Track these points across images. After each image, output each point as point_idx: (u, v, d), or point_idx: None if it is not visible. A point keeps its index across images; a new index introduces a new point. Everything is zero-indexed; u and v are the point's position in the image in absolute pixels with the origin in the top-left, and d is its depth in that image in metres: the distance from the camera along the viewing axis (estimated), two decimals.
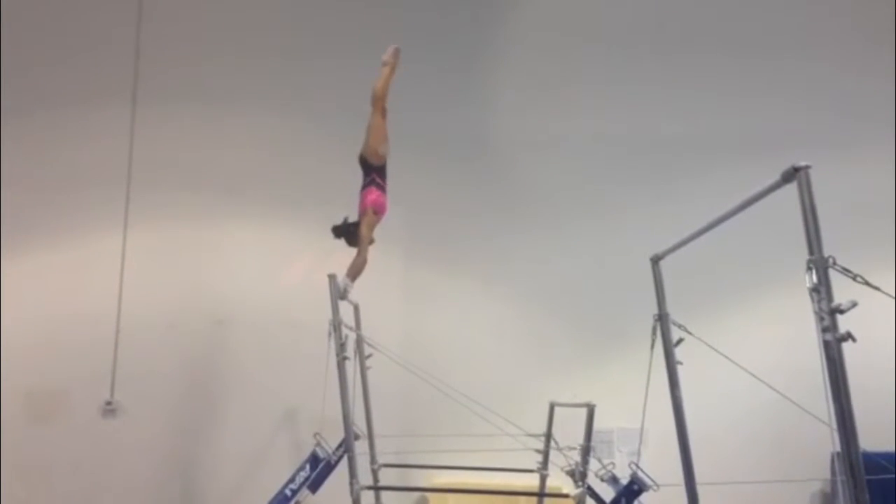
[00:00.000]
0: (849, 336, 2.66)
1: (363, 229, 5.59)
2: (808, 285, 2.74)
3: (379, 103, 5.81)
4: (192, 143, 7.89)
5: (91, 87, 7.85)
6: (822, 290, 2.71)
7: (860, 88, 7.91)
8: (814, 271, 2.73)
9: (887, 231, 7.44)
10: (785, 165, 2.94)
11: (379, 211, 5.72)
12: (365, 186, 5.75)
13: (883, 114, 7.74)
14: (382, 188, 5.74)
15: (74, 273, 7.59)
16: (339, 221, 5.73)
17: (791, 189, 2.92)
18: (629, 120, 7.97)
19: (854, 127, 7.75)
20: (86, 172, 7.70)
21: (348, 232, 5.71)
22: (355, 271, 5.49)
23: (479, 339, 7.69)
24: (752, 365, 4.66)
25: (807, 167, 2.85)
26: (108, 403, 7.37)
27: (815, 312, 2.72)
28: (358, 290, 6.27)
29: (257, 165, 7.86)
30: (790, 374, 4.89)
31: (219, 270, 7.73)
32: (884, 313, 4.59)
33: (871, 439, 3.68)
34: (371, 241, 5.66)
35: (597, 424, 6.27)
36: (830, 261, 2.73)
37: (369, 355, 6.39)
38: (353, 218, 5.74)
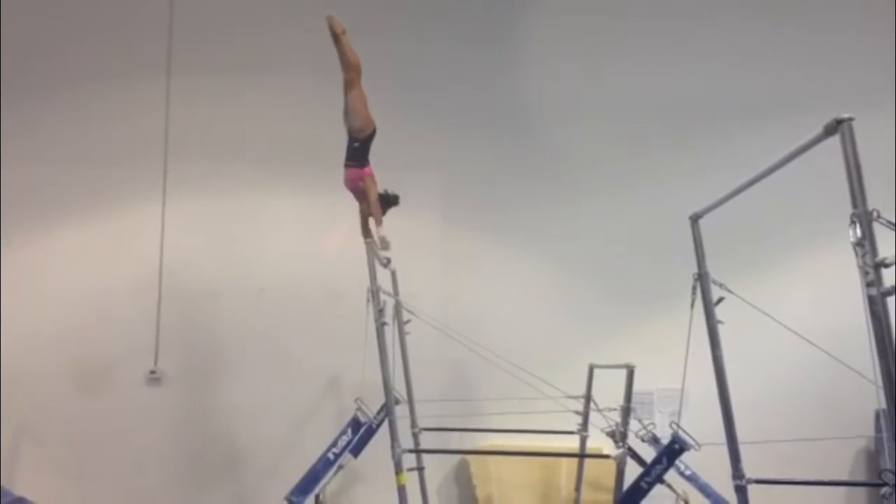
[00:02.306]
0: (894, 290, 2.62)
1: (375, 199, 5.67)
2: (851, 239, 2.69)
3: (357, 75, 6.06)
4: (228, 113, 7.92)
5: (126, 60, 7.90)
6: (866, 244, 2.66)
7: None
8: (857, 225, 2.69)
9: None
10: (825, 123, 2.89)
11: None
12: (363, 165, 5.91)
13: None
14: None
15: (116, 245, 7.70)
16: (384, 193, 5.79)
17: (833, 147, 2.86)
18: (667, 85, 7.85)
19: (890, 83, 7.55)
20: (123, 145, 7.77)
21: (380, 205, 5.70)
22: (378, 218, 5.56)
23: (518, 304, 7.69)
24: (794, 323, 4.61)
25: (850, 119, 2.79)
26: (153, 372, 7.50)
27: (860, 267, 2.67)
28: (396, 257, 6.31)
29: (293, 134, 7.87)
30: (832, 332, 4.83)
31: (258, 239, 7.79)
32: None
33: None
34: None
35: (637, 386, 6.27)
36: (874, 214, 2.68)
37: (408, 321, 6.42)
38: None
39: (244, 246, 7.77)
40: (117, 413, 7.43)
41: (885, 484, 2.79)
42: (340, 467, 6.40)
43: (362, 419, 6.22)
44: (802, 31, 7.88)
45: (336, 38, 5.74)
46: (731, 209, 4.39)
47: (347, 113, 5.87)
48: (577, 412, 6.49)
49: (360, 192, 5.69)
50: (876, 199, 2.75)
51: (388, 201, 5.69)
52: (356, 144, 5.79)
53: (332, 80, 7.96)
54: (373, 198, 5.57)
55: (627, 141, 7.78)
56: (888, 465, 5.30)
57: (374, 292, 5.24)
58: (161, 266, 7.64)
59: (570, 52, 8.02)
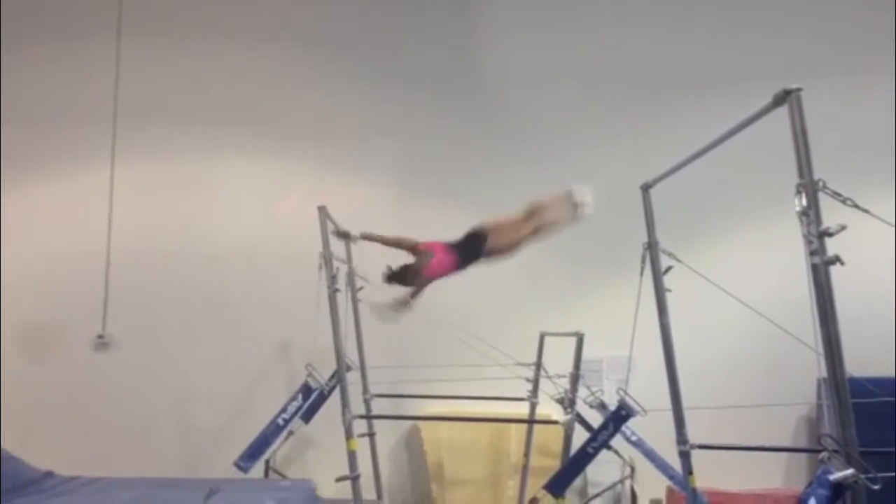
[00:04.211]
0: (837, 259, 2.66)
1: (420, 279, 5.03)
2: (797, 209, 2.73)
3: (531, 215, 5.13)
4: (180, 77, 7.82)
5: (76, 20, 7.73)
6: (810, 213, 2.70)
7: (858, 18, 7.77)
8: (803, 195, 2.72)
9: (882, 160, 7.41)
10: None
11: (435, 267, 5.13)
12: (452, 248, 5.19)
13: (881, 42, 7.63)
14: (455, 260, 5.18)
15: (64, 209, 7.60)
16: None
17: (786, 117, 2.89)
18: (622, 55, 7.86)
19: (850, 56, 7.65)
20: (72, 108, 7.64)
21: (405, 277, 5.05)
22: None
23: (471, 271, 7.68)
24: (744, 292, 4.67)
25: (798, 90, 2.82)
26: (100, 337, 7.41)
27: (804, 236, 2.72)
28: (350, 222, 6.28)
29: (246, 99, 7.79)
30: (782, 301, 4.89)
31: (210, 205, 7.72)
32: (876, 241, 4.65)
33: (860, 365, 3.75)
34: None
35: (586, 353, 6.37)
36: (820, 184, 2.72)
37: (360, 288, 6.41)
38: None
39: (195, 211, 7.70)
40: (64, 377, 7.34)
41: (824, 449, 2.85)
42: (291, 433, 6.42)
43: (313, 385, 6.23)
44: (753, 4, 7.91)
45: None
46: (685, 179, 4.43)
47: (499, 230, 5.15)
48: (527, 379, 6.57)
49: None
50: (822, 170, 2.79)
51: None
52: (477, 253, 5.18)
53: (286, 43, 7.91)
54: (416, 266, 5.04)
55: (581, 110, 7.79)
56: (828, 431, 5.45)
57: (327, 258, 5.21)
58: (110, 230, 7.52)
59: (526, 19, 7.98)
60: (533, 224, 5.08)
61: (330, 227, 5.32)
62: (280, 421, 6.07)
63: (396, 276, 4.99)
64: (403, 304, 4.92)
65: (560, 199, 5.12)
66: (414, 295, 4.95)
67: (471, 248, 5.15)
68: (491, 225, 5.11)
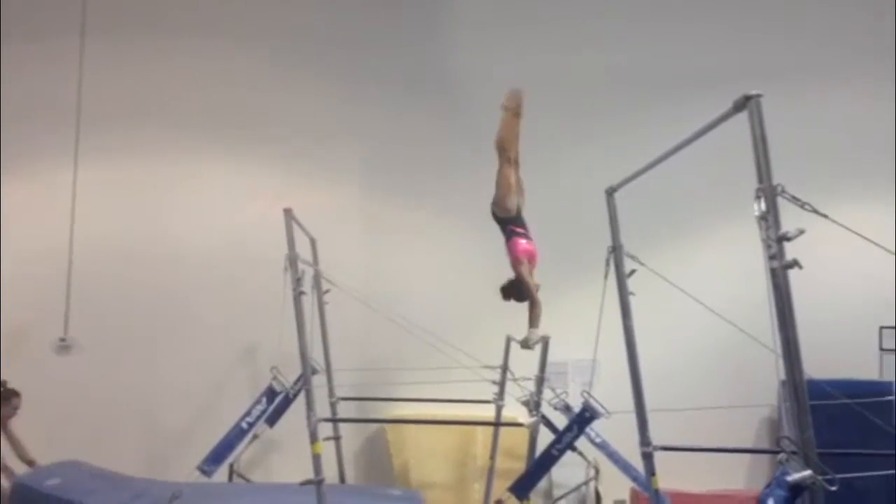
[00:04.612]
0: (795, 263, 2.70)
1: (525, 279, 5.39)
2: (756, 213, 2.76)
3: (502, 154, 5.61)
4: (145, 78, 7.74)
5: (39, 19, 7.64)
6: (770, 218, 2.73)
7: (820, 22, 7.88)
8: (762, 199, 2.75)
9: (844, 165, 7.53)
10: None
11: (532, 259, 5.48)
12: (508, 239, 5.50)
13: (843, 47, 7.76)
14: (526, 235, 5.49)
15: (26, 209, 7.48)
16: (503, 282, 5.56)
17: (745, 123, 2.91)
18: (587, 55, 7.89)
19: (814, 61, 7.75)
20: (37, 107, 7.53)
21: (516, 289, 5.50)
22: (537, 319, 5.46)
23: (438, 273, 7.71)
24: (709, 295, 4.71)
25: (758, 96, 2.85)
26: (62, 340, 7.30)
27: (763, 240, 2.75)
28: (315, 225, 6.28)
29: (211, 101, 7.73)
30: (746, 305, 4.94)
31: (174, 207, 7.66)
32: (837, 245, 4.71)
33: (820, 368, 3.80)
34: (537, 287, 5.47)
35: (552, 356, 6.40)
36: (779, 188, 2.75)
37: (327, 290, 6.39)
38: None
39: (159, 213, 7.64)
40: (25, 381, 7.19)
41: (783, 451, 2.89)
42: (256, 436, 6.37)
43: (277, 388, 6.19)
44: (718, 8, 7.98)
45: (505, 109, 5.60)
46: (650, 184, 4.46)
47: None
48: (493, 382, 6.57)
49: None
50: (781, 175, 2.82)
51: (509, 293, 5.56)
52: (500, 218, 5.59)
53: (253, 46, 7.87)
54: (518, 277, 5.43)
55: (546, 113, 7.77)
56: (787, 432, 5.52)
57: (292, 261, 5.17)
58: (72, 231, 7.41)
59: (492, 20, 8.00)
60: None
61: None
62: (244, 424, 6.03)
63: (511, 292, 5.49)
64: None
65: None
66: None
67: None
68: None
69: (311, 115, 7.75)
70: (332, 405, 6.67)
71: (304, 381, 5.20)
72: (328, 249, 6.73)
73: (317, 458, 4.88)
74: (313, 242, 6.53)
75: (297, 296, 5.10)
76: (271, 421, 6.30)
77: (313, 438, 4.90)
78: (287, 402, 6.30)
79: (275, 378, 6.18)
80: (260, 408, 6.09)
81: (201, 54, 7.81)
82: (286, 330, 5.40)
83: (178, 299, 7.47)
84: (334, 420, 6.49)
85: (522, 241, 5.45)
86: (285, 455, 7.12)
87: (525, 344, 5.50)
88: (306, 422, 4.94)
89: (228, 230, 7.58)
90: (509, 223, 5.50)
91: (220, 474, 6.17)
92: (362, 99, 7.79)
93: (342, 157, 7.75)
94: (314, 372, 5.57)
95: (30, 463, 6.15)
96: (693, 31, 7.94)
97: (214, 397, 7.29)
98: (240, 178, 7.72)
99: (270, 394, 6.17)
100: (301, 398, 5.57)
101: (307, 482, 4.82)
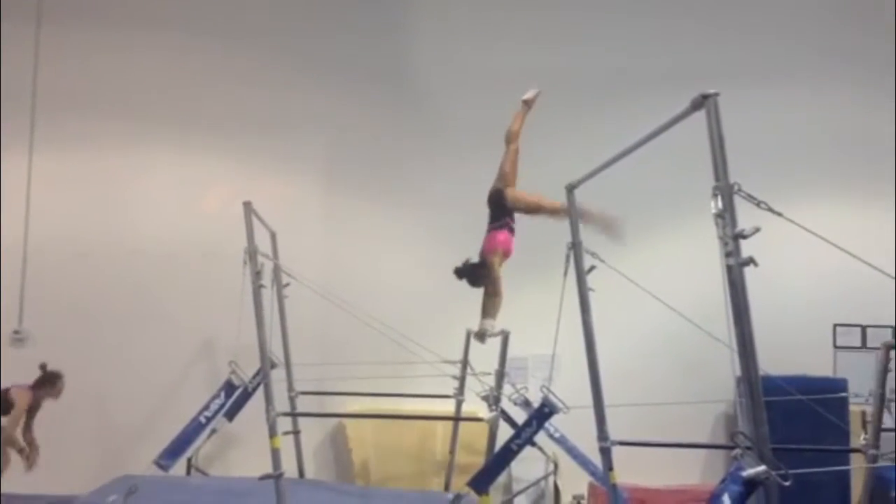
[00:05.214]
0: (751, 261, 2.72)
1: (495, 271, 5.51)
2: (713, 211, 2.79)
3: (511, 144, 5.88)
4: (101, 68, 7.65)
5: None
6: (726, 216, 2.76)
7: (783, 21, 7.97)
8: (719, 197, 2.78)
9: (802, 164, 7.64)
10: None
11: (507, 254, 5.66)
12: (496, 228, 5.67)
13: (805, 47, 7.85)
14: (512, 231, 5.68)
15: None
16: (459, 263, 5.62)
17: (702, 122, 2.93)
18: (550, 52, 7.89)
19: (774, 61, 7.84)
20: None
21: (472, 273, 5.59)
22: (495, 310, 5.57)
23: (398, 268, 7.69)
24: (668, 291, 4.73)
25: (715, 94, 2.87)
26: (17, 332, 7.19)
27: (720, 238, 2.77)
28: (276, 218, 6.23)
29: (170, 92, 7.65)
30: (704, 302, 4.98)
31: (131, 199, 7.57)
32: (794, 246, 4.79)
33: (775, 364, 3.84)
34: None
35: (512, 351, 6.40)
36: (735, 187, 2.78)
37: (286, 284, 6.35)
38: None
39: (116, 205, 7.56)
40: None
41: (738, 446, 2.92)
42: (214, 431, 6.31)
43: (236, 382, 6.14)
44: (680, 8, 8.04)
45: (525, 104, 5.95)
46: (609, 179, 4.47)
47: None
48: (453, 377, 6.58)
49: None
50: (740, 174, 2.85)
51: (462, 273, 5.63)
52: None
53: (211, 35, 7.77)
54: (488, 267, 5.55)
55: (509, 109, 7.81)
56: (742, 428, 5.59)
57: (252, 254, 5.13)
58: (27, 223, 7.31)
59: (451, 15, 7.99)
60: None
61: None
62: (202, 419, 5.97)
63: (466, 274, 5.56)
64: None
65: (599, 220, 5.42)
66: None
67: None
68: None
69: (271, 107, 7.70)
70: (292, 399, 6.64)
71: (262, 375, 5.16)
72: (288, 243, 6.68)
73: (276, 453, 4.85)
74: (273, 236, 6.47)
75: (257, 289, 5.06)
76: (230, 415, 6.24)
77: (272, 433, 4.86)
78: (246, 396, 6.25)
79: (233, 372, 6.12)
80: (218, 402, 6.03)
81: (159, 45, 7.71)
82: (245, 324, 5.37)
83: (135, 292, 7.38)
84: (293, 414, 6.45)
85: (505, 233, 5.61)
86: (244, 449, 7.07)
87: (480, 336, 5.51)
88: (265, 416, 4.91)
89: (187, 223, 7.51)
90: (508, 214, 5.68)
91: (178, 469, 6.11)
92: (323, 91, 7.74)
93: (302, 150, 7.70)
94: (273, 366, 5.54)
95: (21, 451, 6.01)
96: (656, 31, 7.98)
97: (172, 391, 7.21)
98: (198, 170, 7.65)
99: (229, 388, 6.11)
100: (260, 392, 5.53)
101: (266, 476, 4.79)
